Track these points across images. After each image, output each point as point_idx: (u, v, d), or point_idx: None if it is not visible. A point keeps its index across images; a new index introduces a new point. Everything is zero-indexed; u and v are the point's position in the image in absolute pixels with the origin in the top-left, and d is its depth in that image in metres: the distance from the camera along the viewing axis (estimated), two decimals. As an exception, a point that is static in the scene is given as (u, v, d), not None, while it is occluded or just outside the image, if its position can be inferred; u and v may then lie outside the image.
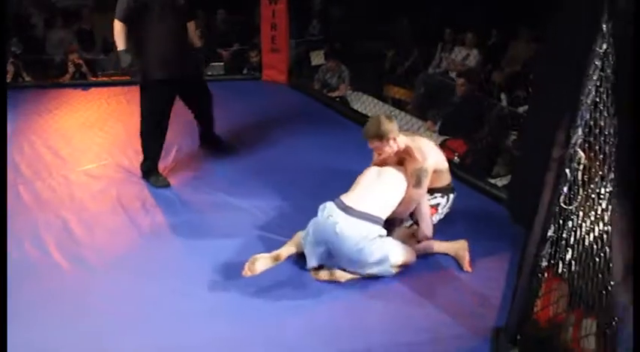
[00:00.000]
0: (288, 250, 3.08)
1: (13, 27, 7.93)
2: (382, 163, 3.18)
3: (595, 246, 1.94)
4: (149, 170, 4.12)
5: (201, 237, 3.43)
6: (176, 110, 4.17)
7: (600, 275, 1.82)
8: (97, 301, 2.84)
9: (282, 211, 3.70)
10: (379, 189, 3.03)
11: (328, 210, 2.93)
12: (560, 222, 2.15)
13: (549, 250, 2.26)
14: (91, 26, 8.16)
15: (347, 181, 3.17)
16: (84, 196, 3.94)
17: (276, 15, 6.08)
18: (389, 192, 3.03)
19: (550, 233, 2.25)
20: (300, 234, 3.10)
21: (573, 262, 1.94)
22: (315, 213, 3.02)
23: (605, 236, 1.89)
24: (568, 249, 2.02)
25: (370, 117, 3.15)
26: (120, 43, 3.84)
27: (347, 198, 2.96)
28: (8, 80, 6.69)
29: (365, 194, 2.99)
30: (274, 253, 3.02)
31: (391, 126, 3.01)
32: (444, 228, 3.39)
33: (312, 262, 2.99)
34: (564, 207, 2.13)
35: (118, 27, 3.81)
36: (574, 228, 1.95)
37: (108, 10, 5.36)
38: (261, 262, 2.94)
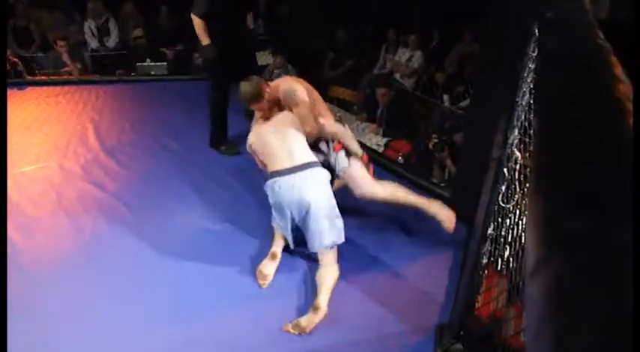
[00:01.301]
0: (278, 244, 3.16)
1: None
2: (264, 116, 3.23)
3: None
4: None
5: (144, 241, 3.37)
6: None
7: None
8: (36, 308, 2.77)
9: (231, 214, 3.69)
10: (290, 139, 3.00)
11: (281, 183, 2.89)
12: (499, 220, 2.23)
13: (489, 247, 2.34)
14: (27, 22, 7.85)
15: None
16: (22, 200, 3.80)
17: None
18: (297, 136, 3.03)
19: (490, 231, 2.34)
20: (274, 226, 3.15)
21: (511, 259, 2.02)
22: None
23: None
24: (506, 246, 2.10)
25: (241, 83, 3.16)
26: (203, 38, 4.13)
27: (281, 163, 2.92)
28: None
29: (287, 151, 2.96)
30: (270, 254, 3.11)
31: (260, 83, 3.15)
32: (387, 226, 3.47)
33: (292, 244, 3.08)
34: (503, 205, 2.21)
35: (198, 22, 4.09)
36: (512, 226, 2.03)
37: (46, 6, 5.23)
38: (267, 268, 3.05)
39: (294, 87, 3.17)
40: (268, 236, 3.24)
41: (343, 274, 2.94)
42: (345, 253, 3.07)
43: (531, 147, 2.10)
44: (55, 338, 2.57)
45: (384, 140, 4.87)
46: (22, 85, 6.37)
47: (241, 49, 4.45)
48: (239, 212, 3.70)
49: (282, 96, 3.18)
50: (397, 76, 6.50)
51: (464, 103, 4.66)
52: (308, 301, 2.82)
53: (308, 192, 2.85)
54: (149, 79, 6.43)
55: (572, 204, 0.57)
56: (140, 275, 3.04)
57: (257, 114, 3.31)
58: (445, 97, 5.13)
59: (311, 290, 2.90)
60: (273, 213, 3.06)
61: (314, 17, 7.19)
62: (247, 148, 3.22)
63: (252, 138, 3.16)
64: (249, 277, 3.03)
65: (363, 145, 4.61)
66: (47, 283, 2.97)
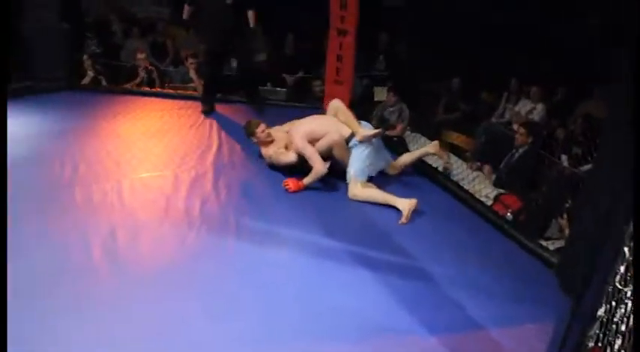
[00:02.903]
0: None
1: (95, 30, 8.32)
2: (264, 145, 4.76)
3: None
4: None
5: (243, 260, 3.44)
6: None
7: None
8: (126, 310, 2.87)
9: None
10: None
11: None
12: (613, 303, 2.03)
13: (598, 331, 2.14)
14: (165, 39, 8.44)
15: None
16: (134, 204, 4.01)
17: (343, 47, 6.11)
18: None
19: (600, 312, 2.14)
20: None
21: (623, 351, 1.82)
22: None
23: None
24: (619, 335, 1.90)
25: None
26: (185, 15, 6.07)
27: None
28: (87, 82, 6.99)
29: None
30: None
31: (252, 130, 4.73)
32: (491, 283, 3.37)
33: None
34: (619, 287, 2.02)
35: (187, 8, 5.98)
36: (627, 314, 1.84)
37: (181, 24, 5.81)
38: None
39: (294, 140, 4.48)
40: (369, 264, 3.30)
41: (434, 330, 2.84)
42: (436, 306, 3.01)
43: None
44: (138, 345, 2.64)
45: (494, 193, 4.67)
46: (152, 95, 6.81)
47: (229, 40, 5.84)
48: (347, 242, 3.70)
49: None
50: (515, 127, 6.27)
51: (586, 167, 4.37)
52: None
53: None
54: (268, 103, 6.63)
55: None
56: (236, 294, 3.08)
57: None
58: (563, 157, 4.85)
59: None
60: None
61: (434, 59, 7.14)
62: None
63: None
64: (349, 305, 3.03)
65: (471, 195, 4.48)
66: (144, 288, 3.08)
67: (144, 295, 3.01)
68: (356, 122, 4.46)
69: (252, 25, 5.93)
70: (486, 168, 5.18)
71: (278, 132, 4.84)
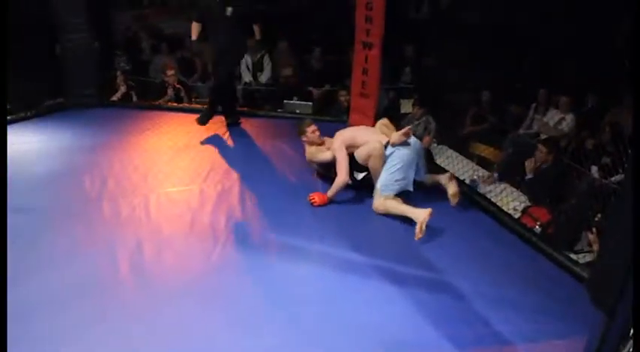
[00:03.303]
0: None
1: (124, 48, 8.51)
2: (310, 145, 4.82)
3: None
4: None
5: (267, 275, 3.45)
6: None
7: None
8: (151, 323, 2.91)
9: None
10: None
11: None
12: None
13: (631, 349, 2.07)
14: (192, 54, 8.57)
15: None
16: (160, 218, 4.06)
17: (369, 60, 6.08)
18: None
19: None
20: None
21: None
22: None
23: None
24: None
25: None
26: (194, 34, 5.90)
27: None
28: (118, 97, 7.13)
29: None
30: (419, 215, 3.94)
31: (303, 129, 4.78)
32: (519, 297, 3.31)
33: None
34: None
35: (194, 25, 5.84)
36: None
37: (206, 39, 5.88)
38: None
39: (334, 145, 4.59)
40: (394, 278, 3.30)
41: (460, 345, 2.83)
42: (462, 320, 3.00)
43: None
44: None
45: (522, 206, 4.58)
46: (180, 110, 6.90)
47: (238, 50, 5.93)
48: (372, 256, 3.69)
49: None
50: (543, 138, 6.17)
51: (618, 177, 4.25)
52: None
53: None
54: (293, 117, 6.66)
55: None
56: (260, 309, 3.10)
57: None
58: (593, 168, 4.73)
59: None
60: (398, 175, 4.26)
61: (461, 71, 7.09)
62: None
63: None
64: (373, 320, 3.02)
65: (499, 208, 4.41)
66: (169, 301, 3.12)
67: (169, 308, 3.05)
68: (395, 131, 4.52)
69: (257, 38, 6.02)
70: (510, 188, 5.05)
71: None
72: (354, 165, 4.47)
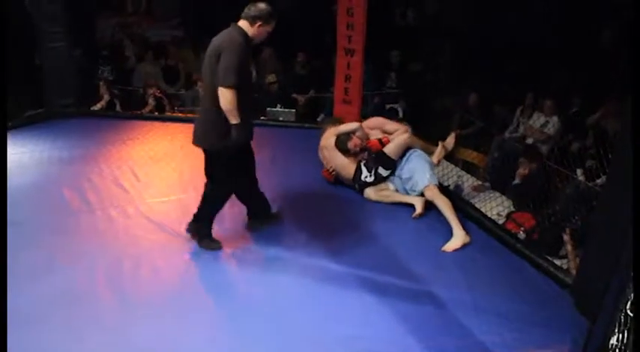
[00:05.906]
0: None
1: (108, 56, 8.41)
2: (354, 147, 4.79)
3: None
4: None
5: (250, 288, 3.40)
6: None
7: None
8: (131, 339, 2.85)
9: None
10: None
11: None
12: (625, 332, 1.91)
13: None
14: (176, 62, 8.49)
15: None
16: (139, 231, 4.00)
17: (351, 67, 6.05)
18: None
19: (613, 341, 2.02)
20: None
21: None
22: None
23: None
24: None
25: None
26: (235, 115, 3.36)
27: None
28: (102, 105, 7.02)
29: None
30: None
31: (344, 147, 4.77)
32: (503, 305, 3.27)
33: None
34: (631, 314, 1.90)
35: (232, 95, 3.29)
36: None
37: (193, 48, 5.73)
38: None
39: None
40: (377, 290, 3.22)
41: None
42: (446, 331, 2.97)
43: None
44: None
45: (506, 211, 4.52)
46: (162, 119, 6.82)
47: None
48: (355, 266, 3.63)
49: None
50: (529, 141, 6.14)
51: (601, 180, 4.21)
52: None
53: None
54: (275, 124, 6.60)
55: None
56: (242, 324, 3.05)
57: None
58: (579, 171, 4.68)
59: None
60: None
61: (446, 76, 7.06)
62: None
63: None
64: (356, 334, 2.97)
65: (482, 214, 4.37)
66: (146, 315, 3.06)
67: (148, 324, 2.99)
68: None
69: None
70: (495, 194, 4.98)
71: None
72: (382, 161, 4.63)
